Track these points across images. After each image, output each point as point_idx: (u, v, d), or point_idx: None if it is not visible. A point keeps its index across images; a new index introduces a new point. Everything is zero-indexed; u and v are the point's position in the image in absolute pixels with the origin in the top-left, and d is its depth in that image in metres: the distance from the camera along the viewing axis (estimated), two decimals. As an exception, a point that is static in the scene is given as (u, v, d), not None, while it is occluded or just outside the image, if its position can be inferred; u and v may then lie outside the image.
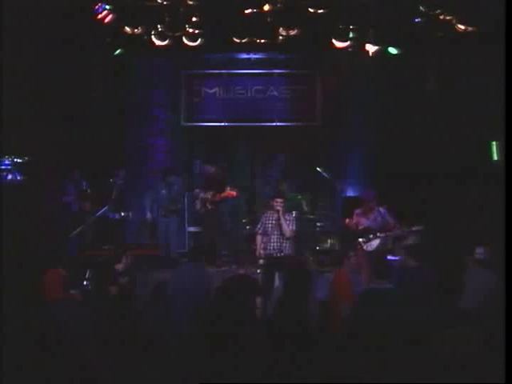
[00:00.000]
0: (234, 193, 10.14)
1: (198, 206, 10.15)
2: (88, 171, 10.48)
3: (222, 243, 10.44)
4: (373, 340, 4.44)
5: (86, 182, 10.42)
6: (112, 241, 9.89)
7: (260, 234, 8.62)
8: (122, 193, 10.38)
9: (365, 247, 8.62)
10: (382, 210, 8.81)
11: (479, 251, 7.14)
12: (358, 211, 8.94)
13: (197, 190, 10.21)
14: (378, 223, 8.73)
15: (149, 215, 10.34)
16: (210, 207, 10.08)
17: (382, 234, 8.63)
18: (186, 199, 10.60)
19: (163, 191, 10.16)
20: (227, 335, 4.50)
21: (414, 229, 9.34)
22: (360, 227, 8.80)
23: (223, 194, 10.09)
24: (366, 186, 11.05)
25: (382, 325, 4.78)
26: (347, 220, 9.05)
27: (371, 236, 8.60)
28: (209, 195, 10.05)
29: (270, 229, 8.52)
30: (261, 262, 8.34)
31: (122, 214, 10.31)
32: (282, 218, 8.43)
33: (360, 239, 8.75)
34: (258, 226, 8.70)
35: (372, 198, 8.99)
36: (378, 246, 8.53)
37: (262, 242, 8.53)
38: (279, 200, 8.53)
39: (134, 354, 4.47)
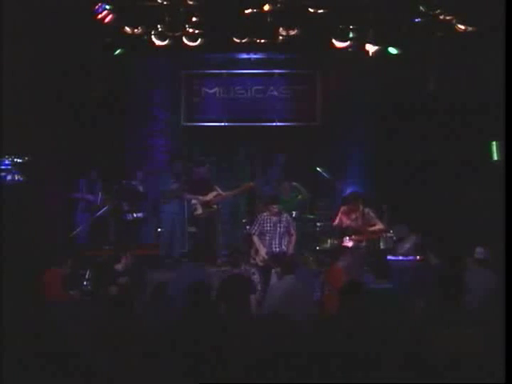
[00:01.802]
0: (251, 184, 10.12)
1: (200, 210, 9.91)
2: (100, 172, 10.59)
3: (222, 243, 10.41)
4: (372, 340, 4.44)
5: (102, 181, 10.51)
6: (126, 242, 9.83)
7: (256, 235, 8.63)
8: (137, 194, 10.39)
9: None
10: (366, 210, 8.70)
11: (479, 251, 7.16)
12: (343, 209, 8.88)
13: (194, 201, 9.93)
14: (358, 224, 8.66)
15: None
16: (215, 208, 9.98)
17: (356, 238, 8.54)
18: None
19: (171, 180, 10.09)
20: (221, 335, 4.51)
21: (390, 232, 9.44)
22: (343, 226, 8.75)
23: (238, 190, 10.07)
24: (365, 185, 11.07)
25: (382, 325, 4.78)
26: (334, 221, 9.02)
27: (346, 238, 8.56)
28: (212, 196, 9.94)
29: (269, 229, 8.60)
30: (259, 262, 8.39)
31: (135, 215, 10.26)
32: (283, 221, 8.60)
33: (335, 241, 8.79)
34: (255, 227, 8.70)
35: (356, 197, 8.93)
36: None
37: (261, 242, 8.58)
38: (275, 206, 8.65)
39: (134, 354, 4.47)
